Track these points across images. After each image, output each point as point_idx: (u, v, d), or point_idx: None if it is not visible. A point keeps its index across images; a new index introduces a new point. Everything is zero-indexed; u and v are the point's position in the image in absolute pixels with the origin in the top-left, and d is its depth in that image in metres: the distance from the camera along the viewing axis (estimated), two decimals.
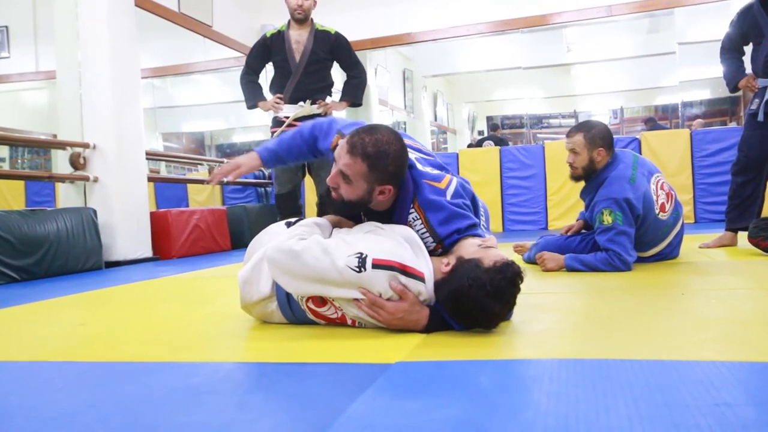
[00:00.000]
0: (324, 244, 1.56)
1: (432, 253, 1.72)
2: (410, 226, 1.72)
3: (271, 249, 1.60)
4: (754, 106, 3.41)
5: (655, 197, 2.81)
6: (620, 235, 2.67)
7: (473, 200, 1.89)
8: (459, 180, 1.85)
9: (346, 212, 1.81)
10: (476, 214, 1.87)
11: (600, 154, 2.81)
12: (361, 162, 1.63)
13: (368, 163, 1.63)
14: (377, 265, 1.52)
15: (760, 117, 3.33)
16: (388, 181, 1.68)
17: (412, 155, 1.82)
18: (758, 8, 3.33)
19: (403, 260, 1.54)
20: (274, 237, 1.78)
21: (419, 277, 1.55)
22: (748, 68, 3.51)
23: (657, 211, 2.80)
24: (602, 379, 1.13)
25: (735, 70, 3.50)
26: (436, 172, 1.81)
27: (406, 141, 1.90)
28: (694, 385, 1.06)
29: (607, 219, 2.69)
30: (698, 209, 5.78)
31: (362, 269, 1.52)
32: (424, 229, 1.72)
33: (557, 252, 2.87)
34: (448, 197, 1.73)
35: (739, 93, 3.52)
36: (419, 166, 1.79)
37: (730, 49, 3.52)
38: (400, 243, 1.59)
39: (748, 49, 3.52)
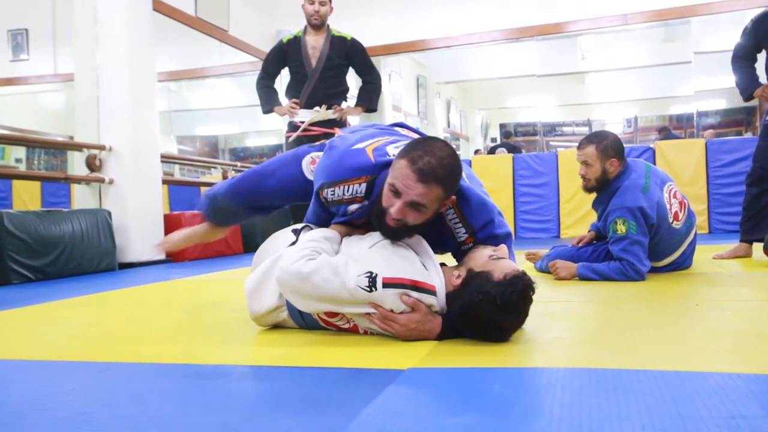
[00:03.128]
0: (333, 264, 1.55)
1: (463, 244, 1.70)
2: (443, 216, 1.68)
3: (281, 270, 1.58)
4: None
5: (668, 206, 2.79)
6: (634, 245, 2.66)
7: None
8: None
9: (406, 236, 1.65)
10: None
11: (612, 165, 2.80)
12: (436, 187, 1.51)
13: (443, 186, 1.53)
14: (388, 284, 1.51)
15: None
16: (454, 192, 1.61)
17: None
18: None
19: (414, 276, 1.53)
20: (281, 247, 1.76)
21: (431, 291, 1.55)
22: (762, 78, 3.48)
23: (671, 220, 2.78)
24: (615, 388, 1.12)
25: (749, 78, 3.45)
26: None
27: (403, 131, 1.89)
28: (709, 397, 1.05)
29: (621, 228, 2.68)
30: (713, 219, 5.74)
31: (373, 289, 1.51)
32: (457, 220, 1.68)
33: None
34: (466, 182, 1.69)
35: (755, 103, 3.48)
36: None
37: (743, 58, 3.47)
38: (408, 257, 1.57)
39: (760, 57, 3.48)
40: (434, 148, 1.53)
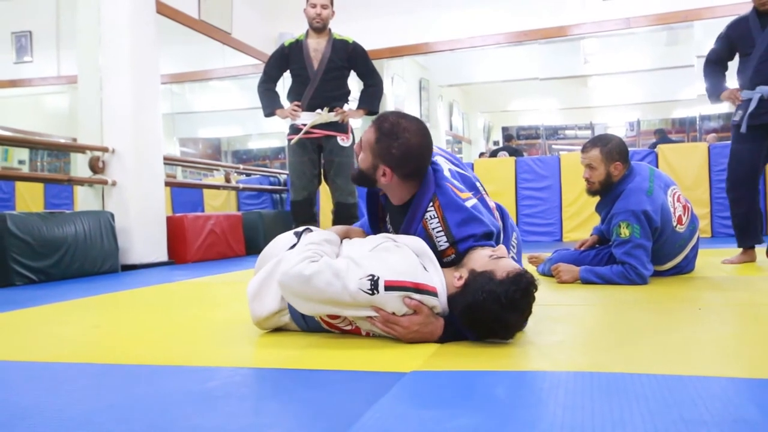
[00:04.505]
0: (335, 267, 1.55)
1: (444, 255, 1.70)
2: (426, 224, 1.70)
3: (282, 273, 1.59)
4: (737, 118, 3.37)
5: (672, 210, 2.79)
6: (637, 249, 2.65)
7: (504, 223, 1.93)
8: (493, 204, 1.89)
9: (360, 183, 1.81)
10: (506, 237, 1.90)
11: (617, 168, 2.80)
12: (373, 132, 1.70)
13: (377, 136, 1.69)
14: (390, 287, 1.51)
15: (743, 129, 3.31)
16: (390, 164, 1.69)
17: (444, 164, 1.82)
18: (753, 19, 3.31)
19: (415, 278, 1.53)
20: (283, 250, 1.77)
21: (432, 293, 1.55)
22: (734, 83, 3.48)
23: (674, 224, 2.78)
24: (618, 392, 1.12)
25: (718, 82, 3.48)
26: (461, 186, 1.79)
27: (442, 153, 1.92)
28: (712, 401, 1.05)
29: (625, 232, 2.68)
30: (715, 223, 5.73)
31: (375, 292, 1.51)
32: (440, 228, 1.69)
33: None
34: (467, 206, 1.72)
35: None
36: (446, 174, 1.77)
37: (715, 62, 3.50)
38: (410, 260, 1.57)
39: (732, 65, 3.50)
40: (405, 116, 1.72)
